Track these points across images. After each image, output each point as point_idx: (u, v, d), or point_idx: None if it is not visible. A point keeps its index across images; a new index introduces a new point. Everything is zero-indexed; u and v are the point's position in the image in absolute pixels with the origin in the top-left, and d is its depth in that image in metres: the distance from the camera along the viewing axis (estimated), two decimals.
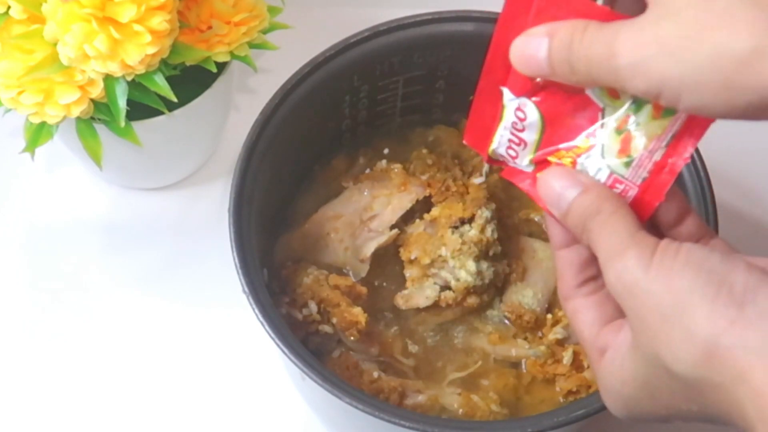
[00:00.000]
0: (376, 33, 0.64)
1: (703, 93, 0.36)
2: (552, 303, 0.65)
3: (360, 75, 0.66)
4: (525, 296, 0.64)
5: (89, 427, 0.70)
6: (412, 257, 0.63)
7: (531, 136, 0.45)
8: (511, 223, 0.67)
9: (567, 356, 0.61)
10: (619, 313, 0.42)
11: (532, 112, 0.44)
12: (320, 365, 0.54)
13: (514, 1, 0.43)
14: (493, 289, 0.64)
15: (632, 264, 0.38)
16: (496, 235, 0.63)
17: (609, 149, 0.42)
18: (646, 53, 0.36)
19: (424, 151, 0.70)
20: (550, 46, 0.40)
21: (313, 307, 0.62)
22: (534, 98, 0.44)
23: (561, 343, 0.63)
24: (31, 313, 0.74)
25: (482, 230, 0.63)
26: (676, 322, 0.36)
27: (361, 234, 0.66)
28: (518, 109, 0.44)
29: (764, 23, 0.34)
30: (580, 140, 0.43)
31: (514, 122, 0.45)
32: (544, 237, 0.68)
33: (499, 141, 0.46)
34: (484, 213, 0.63)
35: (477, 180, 0.67)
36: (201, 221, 0.78)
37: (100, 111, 0.64)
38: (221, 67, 0.69)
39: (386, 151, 0.71)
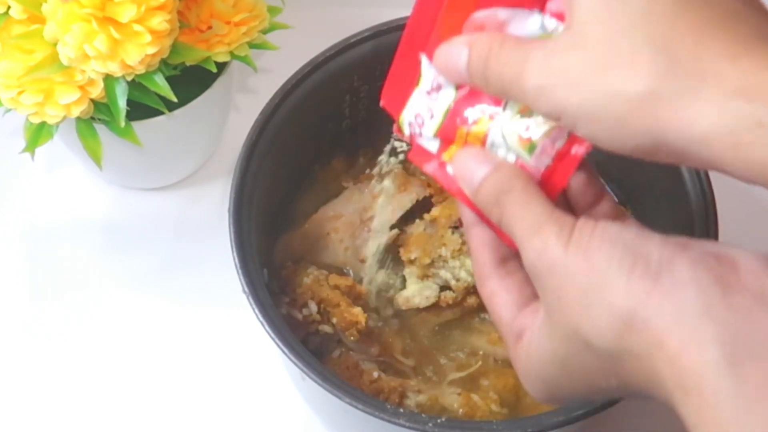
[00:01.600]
0: (376, 33, 0.64)
1: (597, 128, 0.37)
2: None
3: (360, 75, 0.66)
4: None
5: (89, 427, 0.70)
6: (412, 257, 0.63)
7: (442, 106, 0.45)
8: None
9: None
10: (536, 295, 0.42)
11: (446, 82, 0.44)
12: (320, 365, 0.54)
13: None
14: None
15: (552, 242, 0.38)
16: None
17: (510, 133, 0.42)
18: (550, 80, 0.38)
19: None
20: (469, 57, 0.41)
21: (313, 307, 0.62)
22: None
23: None
24: (30, 312, 0.74)
25: None
26: (595, 297, 0.37)
27: (361, 234, 0.66)
28: (435, 78, 0.45)
29: (664, 67, 0.35)
30: (484, 118, 0.43)
31: (429, 90, 0.45)
32: None
33: (411, 105, 0.46)
34: None
35: None
36: (201, 221, 0.78)
37: (100, 111, 0.64)
38: (221, 67, 0.69)
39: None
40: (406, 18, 0.64)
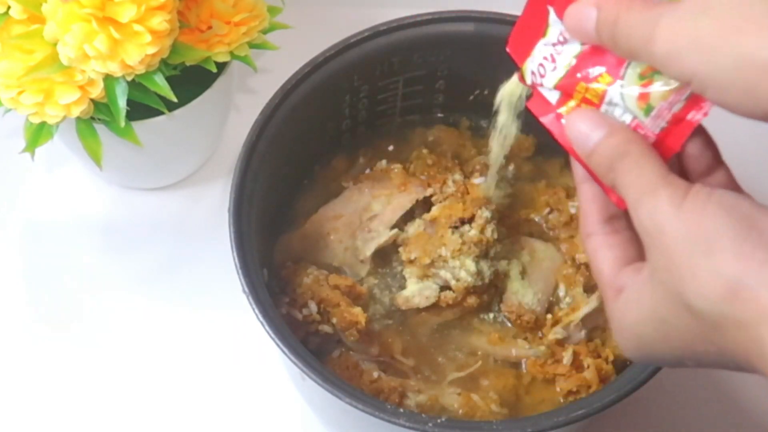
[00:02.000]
0: (376, 33, 0.64)
1: (727, 94, 0.37)
2: (552, 303, 0.65)
3: (360, 75, 0.66)
4: (525, 296, 0.64)
5: (88, 427, 0.70)
6: (412, 257, 0.63)
7: (565, 59, 0.46)
8: (511, 223, 0.67)
9: (567, 356, 0.61)
10: (640, 256, 0.42)
11: (572, 37, 0.45)
12: (320, 365, 0.54)
13: None
14: (493, 289, 0.64)
15: (664, 202, 0.39)
16: (496, 235, 0.63)
17: (629, 94, 0.43)
18: (680, 45, 0.38)
19: (424, 151, 0.70)
20: (598, 18, 0.42)
21: (313, 307, 0.62)
22: None
23: (561, 343, 0.63)
24: (30, 313, 0.74)
25: (482, 230, 0.63)
26: (703, 260, 0.37)
27: (361, 234, 0.66)
28: (561, 33, 0.46)
29: None
30: (605, 76, 0.44)
31: (554, 43, 0.46)
32: (544, 237, 0.68)
33: (536, 55, 0.47)
34: (484, 213, 0.63)
35: (477, 180, 0.67)
36: (201, 221, 0.78)
37: (100, 111, 0.64)
38: (221, 67, 0.69)
39: (390, 148, 0.71)
40: (407, 18, 0.64)
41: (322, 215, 0.67)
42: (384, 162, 0.69)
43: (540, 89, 0.47)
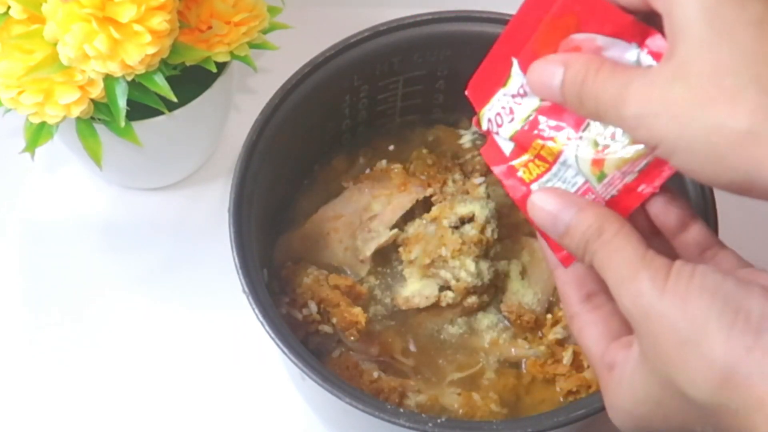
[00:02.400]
0: (376, 33, 0.64)
1: (694, 160, 0.37)
2: (552, 303, 0.65)
3: (360, 75, 0.66)
4: (525, 296, 0.64)
5: (88, 427, 0.70)
6: (412, 257, 0.63)
7: (523, 112, 0.45)
8: (511, 222, 0.67)
9: (567, 356, 0.61)
10: (626, 328, 0.42)
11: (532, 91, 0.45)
12: (320, 365, 0.54)
13: None
14: (493, 289, 0.64)
15: (646, 287, 0.38)
16: (496, 235, 0.63)
17: (584, 157, 0.43)
18: (651, 109, 0.38)
19: (424, 151, 0.70)
20: (564, 77, 0.41)
21: (313, 307, 0.62)
22: None
23: (561, 343, 0.63)
24: (29, 313, 0.74)
25: (482, 230, 0.63)
26: (692, 348, 0.37)
27: (361, 234, 0.66)
28: (522, 86, 0.45)
29: (764, 108, 0.35)
30: (562, 136, 0.44)
31: (514, 94, 0.46)
32: None
33: (494, 103, 0.47)
34: (484, 213, 0.63)
35: (477, 180, 0.67)
36: (201, 221, 0.78)
37: (100, 111, 0.64)
38: (221, 67, 0.69)
39: (390, 148, 0.71)
40: (407, 18, 0.64)
41: (322, 215, 0.67)
42: (384, 162, 0.69)
43: (495, 137, 0.47)
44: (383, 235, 0.65)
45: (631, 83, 0.39)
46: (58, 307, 0.74)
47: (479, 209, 0.63)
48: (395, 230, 0.65)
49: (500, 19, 0.64)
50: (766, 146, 0.35)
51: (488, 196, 0.65)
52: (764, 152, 0.35)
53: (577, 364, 0.62)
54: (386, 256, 0.66)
